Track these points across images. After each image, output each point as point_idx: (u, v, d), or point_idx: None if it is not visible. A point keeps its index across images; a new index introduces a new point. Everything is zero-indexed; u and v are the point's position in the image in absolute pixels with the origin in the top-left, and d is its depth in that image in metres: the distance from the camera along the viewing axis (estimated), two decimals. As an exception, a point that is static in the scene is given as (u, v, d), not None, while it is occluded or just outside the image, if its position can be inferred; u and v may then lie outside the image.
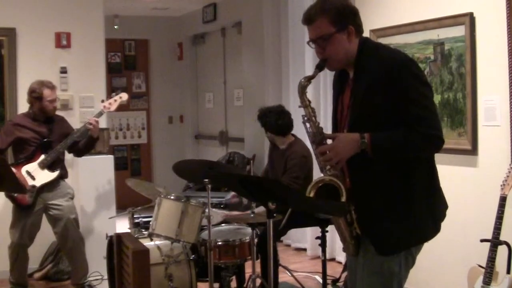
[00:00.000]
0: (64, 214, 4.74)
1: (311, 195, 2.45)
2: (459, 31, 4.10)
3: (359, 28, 2.48)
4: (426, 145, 2.37)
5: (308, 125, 2.50)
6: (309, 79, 2.51)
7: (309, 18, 2.47)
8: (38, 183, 4.65)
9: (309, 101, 2.51)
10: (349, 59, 2.47)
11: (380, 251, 2.41)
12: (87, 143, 4.82)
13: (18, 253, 4.69)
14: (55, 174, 4.71)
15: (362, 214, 2.44)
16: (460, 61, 4.12)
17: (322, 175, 2.49)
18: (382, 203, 2.40)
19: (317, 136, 2.47)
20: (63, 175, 4.85)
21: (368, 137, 2.34)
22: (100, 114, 4.79)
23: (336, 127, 2.59)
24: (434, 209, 2.46)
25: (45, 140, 4.72)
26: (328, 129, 2.61)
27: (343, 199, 2.39)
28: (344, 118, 2.51)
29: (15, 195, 4.58)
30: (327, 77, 5.53)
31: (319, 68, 2.49)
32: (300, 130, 6.32)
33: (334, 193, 2.41)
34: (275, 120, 4.58)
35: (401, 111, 2.35)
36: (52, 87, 4.78)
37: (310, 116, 2.49)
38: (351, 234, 2.47)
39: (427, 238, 2.48)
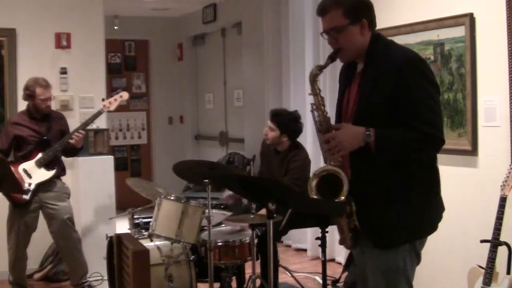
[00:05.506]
0: (59, 214, 4.71)
1: (314, 183, 2.46)
2: (459, 31, 4.09)
3: (372, 21, 2.49)
4: (426, 144, 2.38)
5: (316, 113, 2.50)
6: (320, 68, 2.52)
7: (323, 9, 2.48)
8: (34, 181, 4.62)
9: (319, 90, 2.51)
10: (360, 52, 2.48)
11: (376, 244, 2.43)
12: (70, 150, 4.79)
13: (16, 253, 4.65)
14: (51, 173, 4.68)
15: (362, 207, 2.45)
16: (460, 62, 4.12)
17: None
18: (382, 198, 2.41)
19: (324, 125, 2.48)
20: (59, 174, 4.81)
21: (373, 132, 2.35)
22: (99, 113, 4.72)
23: (339, 119, 2.60)
24: (431, 209, 2.47)
25: (43, 138, 4.69)
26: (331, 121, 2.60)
27: (345, 189, 2.39)
28: (349, 110, 2.52)
29: None
30: (326, 72, 5.45)
31: (331, 58, 2.50)
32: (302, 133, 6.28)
33: (336, 184, 2.42)
34: (296, 124, 4.60)
35: (405, 108, 2.35)
36: (45, 86, 4.70)
37: (319, 105, 2.50)
38: (349, 226, 2.48)
39: (424, 234, 2.49)
